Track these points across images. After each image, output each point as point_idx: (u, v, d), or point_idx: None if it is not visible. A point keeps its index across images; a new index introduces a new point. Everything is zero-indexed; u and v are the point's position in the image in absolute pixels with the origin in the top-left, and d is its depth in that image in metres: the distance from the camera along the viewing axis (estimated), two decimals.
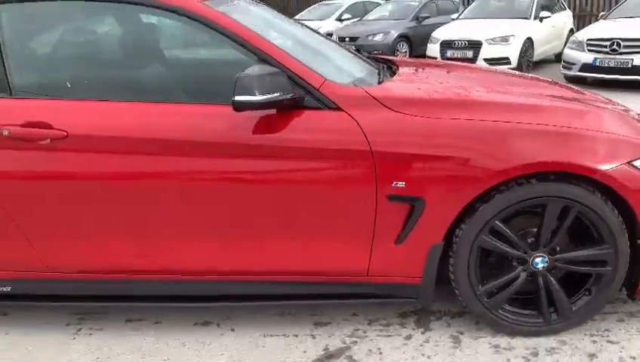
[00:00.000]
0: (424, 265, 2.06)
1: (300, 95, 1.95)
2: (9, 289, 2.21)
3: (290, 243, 2.06)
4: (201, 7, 2.00)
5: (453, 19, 10.45)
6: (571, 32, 11.01)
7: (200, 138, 1.95)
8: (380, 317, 2.30)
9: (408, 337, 2.17)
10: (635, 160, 1.94)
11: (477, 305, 2.10)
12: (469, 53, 8.95)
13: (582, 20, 12.68)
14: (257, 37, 2.00)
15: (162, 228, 2.06)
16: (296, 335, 2.21)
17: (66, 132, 1.96)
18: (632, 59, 7.22)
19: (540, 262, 2.05)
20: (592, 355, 2.01)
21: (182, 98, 2.06)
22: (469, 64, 3.07)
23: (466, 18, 10.12)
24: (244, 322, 2.31)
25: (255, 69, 1.84)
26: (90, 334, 2.27)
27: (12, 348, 2.20)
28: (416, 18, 11.52)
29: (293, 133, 1.94)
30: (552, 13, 10.03)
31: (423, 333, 2.19)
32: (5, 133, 1.97)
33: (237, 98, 1.81)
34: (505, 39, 8.85)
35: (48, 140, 1.97)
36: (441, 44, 9.31)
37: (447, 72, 2.70)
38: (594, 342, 2.09)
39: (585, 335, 2.13)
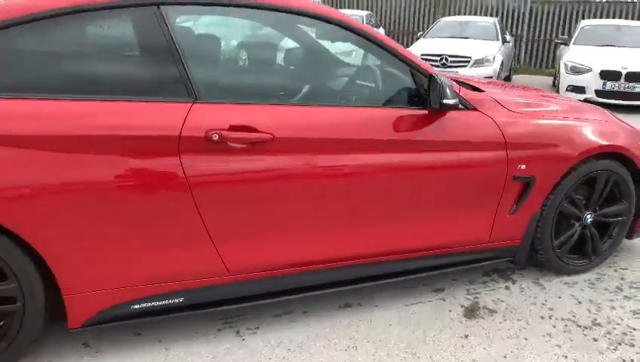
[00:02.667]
0: (525, 229, 2.69)
1: None
2: (181, 300, 2.14)
3: (439, 221, 2.48)
4: (377, 34, 2.30)
5: None
6: None
7: (387, 136, 2.25)
8: (475, 279, 2.85)
9: (507, 288, 2.77)
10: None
11: (552, 256, 2.81)
12: None
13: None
14: (410, 53, 2.39)
15: (349, 220, 2.28)
16: (431, 301, 2.62)
17: (272, 135, 2.05)
18: (458, 71, 8.96)
19: (589, 218, 2.86)
20: (622, 278, 2.90)
21: (361, 102, 2.30)
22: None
23: None
24: (378, 299, 2.61)
25: (442, 79, 2.23)
26: (254, 333, 2.32)
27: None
28: None
29: (454, 128, 2.38)
30: None
31: (514, 283, 2.82)
32: (215, 137, 1.97)
33: (445, 101, 2.20)
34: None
35: (256, 143, 2.03)
36: None
37: (505, 87, 3.35)
38: (615, 271, 2.99)
39: (607, 268, 3.02)
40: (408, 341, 2.30)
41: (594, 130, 2.74)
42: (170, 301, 2.12)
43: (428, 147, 2.34)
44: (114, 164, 1.88)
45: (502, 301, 2.64)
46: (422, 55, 9.28)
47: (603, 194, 2.85)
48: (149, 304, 2.09)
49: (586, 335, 2.38)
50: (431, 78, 2.26)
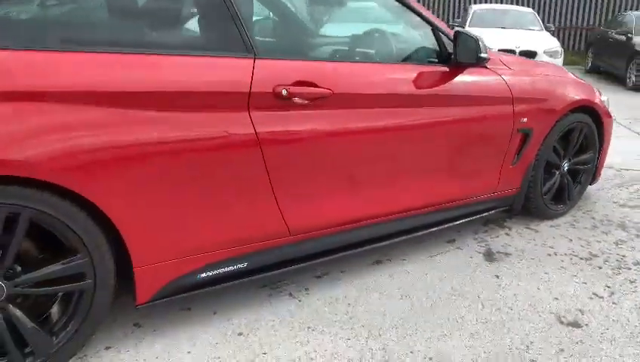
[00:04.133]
0: (522, 179, 2.94)
1: None
2: (245, 265, 2.07)
3: (462, 173, 2.63)
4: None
5: None
6: None
7: (424, 91, 2.35)
8: (477, 229, 3.06)
9: (508, 234, 3.02)
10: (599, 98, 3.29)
11: (541, 203, 3.11)
12: None
13: None
14: (433, 16, 2.50)
15: (395, 173, 2.34)
16: (449, 251, 2.78)
17: (331, 90, 2.05)
18: None
19: (566, 166, 3.20)
20: (592, 218, 3.29)
21: (399, 60, 2.37)
22: None
23: None
24: (403, 254, 2.71)
25: (475, 35, 2.37)
26: (307, 294, 2.31)
27: (260, 327, 2.09)
28: None
29: (474, 84, 2.55)
30: None
31: (510, 230, 3.07)
32: (284, 93, 1.92)
33: (482, 55, 2.33)
34: None
35: (317, 99, 2.02)
36: None
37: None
38: (583, 213, 3.38)
39: (577, 211, 3.40)
40: (450, 285, 2.43)
41: (569, 85, 3.06)
42: (235, 266, 2.04)
43: (455, 101, 2.48)
44: (186, 123, 1.76)
45: (509, 245, 2.88)
46: None
47: (576, 145, 3.21)
48: (214, 271, 1.99)
49: (590, 264, 2.68)
50: (459, 34, 2.39)
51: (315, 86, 2.02)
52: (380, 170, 2.29)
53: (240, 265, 2.05)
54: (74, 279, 1.69)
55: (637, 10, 12.39)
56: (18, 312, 1.63)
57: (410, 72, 2.35)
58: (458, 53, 2.41)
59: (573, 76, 3.32)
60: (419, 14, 2.44)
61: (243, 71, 1.87)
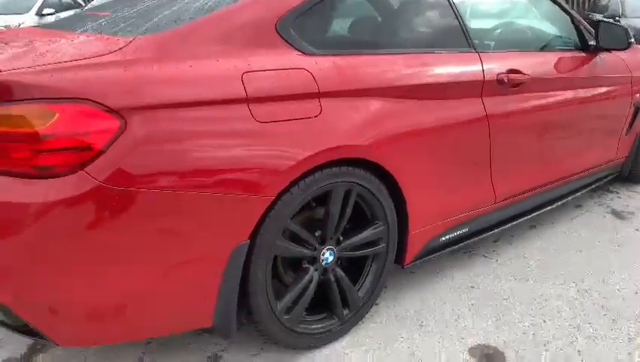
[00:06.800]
0: (630, 148, 3.39)
1: None
2: (466, 230, 2.41)
3: (596, 145, 3.05)
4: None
5: None
6: None
7: (577, 74, 2.75)
8: (593, 195, 3.50)
9: (619, 197, 3.47)
10: None
11: (638, 168, 3.57)
12: None
13: None
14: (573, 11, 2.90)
15: (562, 146, 2.74)
16: (582, 214, 3.20)
17: (530, 76, 2.42)
18: None
19: None
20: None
21: (561, 48, 2.78)
22: None
23: None
24: (550, 219, 3.11)
25: (617, 23, 2.78)
26: (498, 254, 2.69)
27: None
28: None
29: (608, 66, 2.96)
30: None
31: (619, 194, 3.52)
32: (505, 80, 2.29)
33: (631, 40, 2.74)
34: None
35: (521, 84, 2.39)
36: None
37: None
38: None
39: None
40: (608, 238, 2.85)
41: None
42: (461, 231, 2.39)
43: (598, 82, 2.89)
44: (445, 107, 2.11)
45: (627, 205, 3.33)
46: None
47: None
48: (450, 236, 2.33)
49: None
50: (603, 23, 2.80)
51: (521, 73, 2.39)
52: (553, 144, 2.68)
53: (464, 230, 2.40)
54: (373, 244, 2.02)
55: None
56: (342, 273, 1.94)
57: (567, 59, 2.74)
58: (601, 40, 2.81)
59: None
60: (564, 9, 2.84)
61: (477, 63, 2.22)
